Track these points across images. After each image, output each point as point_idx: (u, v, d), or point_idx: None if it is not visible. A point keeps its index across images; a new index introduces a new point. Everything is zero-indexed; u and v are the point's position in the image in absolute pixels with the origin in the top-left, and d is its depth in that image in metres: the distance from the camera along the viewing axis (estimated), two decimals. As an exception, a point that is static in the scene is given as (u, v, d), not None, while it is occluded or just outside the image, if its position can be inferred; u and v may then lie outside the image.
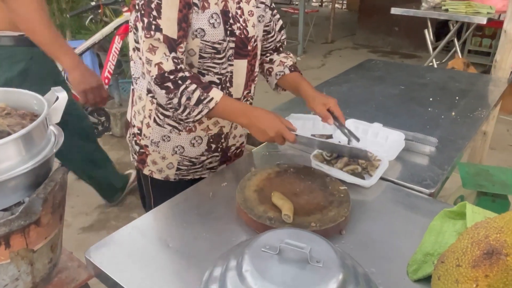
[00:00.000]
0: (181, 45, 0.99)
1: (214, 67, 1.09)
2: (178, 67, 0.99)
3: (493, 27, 4.83)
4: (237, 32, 1.09)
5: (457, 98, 1.66)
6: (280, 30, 1.30)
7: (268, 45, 1.30)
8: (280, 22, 1.30)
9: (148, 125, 1.18)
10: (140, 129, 1.20)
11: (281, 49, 1.34)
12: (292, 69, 1.29)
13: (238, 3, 1.10)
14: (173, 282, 0.77)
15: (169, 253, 0.84)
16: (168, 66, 0.98)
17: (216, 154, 1.25)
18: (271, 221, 0.88)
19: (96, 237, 2.13)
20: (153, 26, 0.96)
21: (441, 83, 1.87)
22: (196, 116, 1.02)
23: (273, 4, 1.25)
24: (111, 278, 0.79)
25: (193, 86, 0.99)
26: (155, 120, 1.16)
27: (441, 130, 1.38)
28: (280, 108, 1.63)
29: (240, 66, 1.14)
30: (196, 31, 1.02)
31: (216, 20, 1.04)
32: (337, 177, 1.06)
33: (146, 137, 1.19)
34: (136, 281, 0.77)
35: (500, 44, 2.35)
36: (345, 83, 1.87)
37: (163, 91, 0.99)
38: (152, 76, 0.98)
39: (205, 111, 1.02)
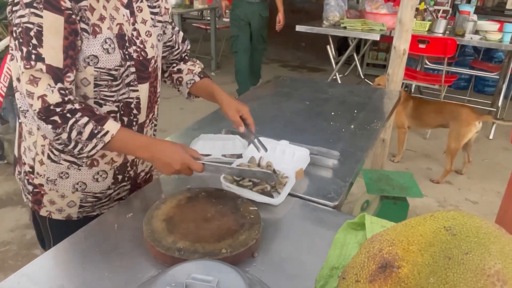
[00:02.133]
0: (69, 74, 0.91)
1: (112, 96, 1.03)
2: (66, 98, 0.90)
3: (387, 42, 5.35)
4: (135, 55, 1.05)
5: (355, 111, 1.79)
6: (183, 41, 1.31)
7: (174, 57, 1.30)
8: (181, 34, 1.30)
9: (41, 162, 1.07)
10: (32, 167, 1.08)
11: (186, 57, 1.35)
12: (202, 76, 1.30)
13: (133, 24, 1.05)
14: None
15: (68, 300, 0.77)
16: (54, 98, 0.89)
17: (124, 183, 1.18)
18: (181, 252, 0.85)
19: None
20: (33, 56, 0.87)
21: (341, 97, 2.00)
22: (90, 151, 0.94)
23: (171, 18, 1.24)
24: None
25: (85, 119, 0.92)
26: (49, 157, 1.06)
27: (343, 143, 1.47)
28: (192, 128, 1.61)
29: (144, 90, 1.10)
30: (88, 58, 0.95)
31: (110, 45, 0.98)
32: (247, 198, 1.06)
33: (40, 175, 1.08)
34: None
35: (391, 59, 2.60)
36: (256, 100, 1.91)
37: (49, 126, 0.90)
38: (35, 110, 0.88)
39: (100, 145, 0.94)
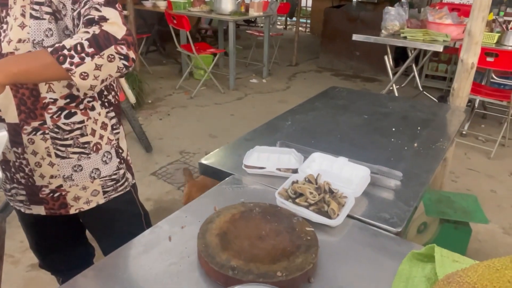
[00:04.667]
0: None
1: None
2: None
3: (449, 54, 5.08)
4: None
5: (419, 128, 1.68)
6: (89, 10, 0.99)
7: None
8: (88, 3, 0.99)
9: (51, 164, 1.14)
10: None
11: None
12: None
13: (5, 17, 1.01)
14: None
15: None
16: None
17: (15, 185, 1.19)
18: (234, 271, 0.82)
19: (46, 276, 1.96)
20: None
21: (402, 112, 1.89)
22: None
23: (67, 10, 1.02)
24: None
25: None
26: (57, 155, 1.13)
27: (405, 162, 1.38)
28: (245, 138, 1.59)
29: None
30: None
31: None
32: (303, 217, 1.01)
33: (55, 176, 1.16)
34: None
35: (457, 73, 2.44)
36: (311, 112, 1.86)
37: None
38: None
39: None
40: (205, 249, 0.88)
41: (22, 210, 1.23)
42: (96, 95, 1.16)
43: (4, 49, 1.00)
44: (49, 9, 1.00)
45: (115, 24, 0.94)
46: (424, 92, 4.80)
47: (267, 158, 1.29)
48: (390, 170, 1.26)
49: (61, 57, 0.88)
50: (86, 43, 0.89)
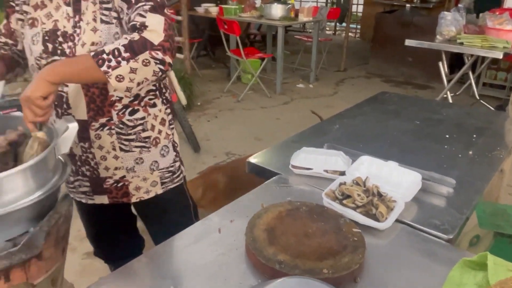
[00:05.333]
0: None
1: None
2: None
3: (509, 61, 4.80)
4: (67, 51, 1.09)
5: (474, 136, 1.62)
6: (138, 15, 1.05)
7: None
8: (143, 7, 1.05)
9: (116, 157, 1.24)
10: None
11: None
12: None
13: (78, 22, 1.09)
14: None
15: (173, 296, 0.81)
16: None
17: (80, 177, 1.28)
18: (281, 265, 0.84)
19: (100, 264, 2.08)
20: None
21: (457, 119, 1.83)
22: None
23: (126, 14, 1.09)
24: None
25: None
26: (121, 149, 1.23)
27: (459, 169, 1.34)
28: (291, 140, 1.61)
29: (73, 87, 1.13)
30: (28, 45, 1.14)
31: (36, 37, 1.12)
32: (350, 218, 1.02)
33: (119, 168, 1.25)
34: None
35: (517, 81, 2.31)
36: (359, 116, 1.84)
37: None
38: None
39: None
40: (253, 242, 0.91)
41: (84, 201, 1.33)
42: (157, 93, 1.25)
43: (78, 52, 1.09)
44: (115, 14, 1.08)
45: (154, 31, 0.99)
46: (481, 101, 4.57)
47: (314, 159, 1.30)
48: (442, 176, 1.23)
49: (100, 61, 0.95)
50: (122, 48, 0.96)
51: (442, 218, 1.08)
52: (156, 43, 0.98)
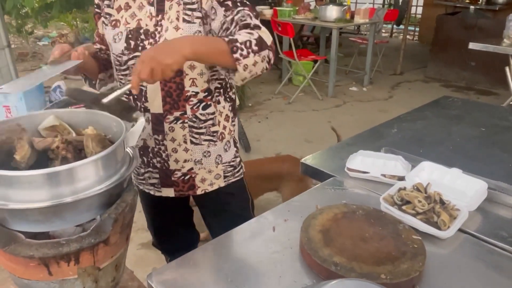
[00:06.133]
0: (96, 43, 1.35)
1: (121, 78, 1.26)
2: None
3: None
4: (148, 47, 1.16)
5: (547, 145, 1.50)
6: (242, 18, 1.12)
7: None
8: (241, 12, 1.12)
9: (186, 150, 1.31)
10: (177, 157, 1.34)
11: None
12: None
13: (160, 20, 1.16)
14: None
15: (229, 288, 0.82)
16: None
17: (150, 169, 1.34)
18: (337, 267, 0.83)
19: (154, 254, 2.18)
20: None
21: (527, 126, 1.70)
22: None
23: (229, 2, 1.13)
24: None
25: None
26: (192, 142, 1.29)
27: (529, 180, 1.24)
28: (346, 143, 1.59)
29: None
30: (109, 43, 1.24)
31: (119, 36, 1.20)
32: (410, 225, 0.98)
33: (187, 160, 1.32)
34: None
35: None
36: (419, 120, 1.77)
37: None
38: None
39: None
40: (308, 242, 0.91)
41: (152, 192, 1.39)
42: (222, 90, 1.30)
43: None
44: (199, 14, 1.15)
45: (266, 32, 1.09)
46: (553, 109, 4.22)
47: (371, 163, 1.27)
48: (510, 186, 1.15)
49: (234, 48, 1.02)
50: (254, 42, 1.04)
51: (509, 230, 1.01)
52: (268, 43, 1.08)
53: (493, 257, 0.93)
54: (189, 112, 1.25)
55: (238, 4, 1.14)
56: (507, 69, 3.68)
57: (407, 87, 5.75)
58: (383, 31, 10.03)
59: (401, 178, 1.21)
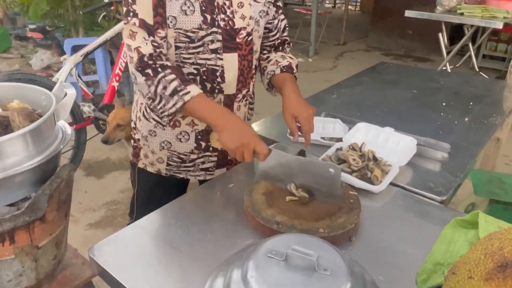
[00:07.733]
0: (159, 30, 1.00)
1: (189, 58, 1.07)
2: (158, 50, 0.99)
3: (509, 32, 4.75)
4: (222, 23, 1.06)
5: (471, 103, 1.63)
6: (283, 30, 1.26)
7: (268, 43, 1.26)
8: (285, 21, 1.25)
9: (139, 119, 1.21)
10: (135, 123, 1.24)
11: (281, 48, 1.28)
12: (284, 70, 1.20)
13: None
14: (176, 285, 0.76)
15: (174, 255, 0.83)
16: (147, 49, 0.98)
17: (209, 153, 1.21)
18: (279, 225, 0.87)
19: (102, 234, 2.13)
20: (130, 12, 0.99)
21: (455, 88, 1.83)
22: (170, 108, 0.98)
23: (279, 3, 1.21)
24: (114, 278, 0.78)
25: (172, 76, 0.98)
26: (143, 114, 1.18)
27: (454, 136, 1.35)
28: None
29: (230, 60, 1.10)
30: (168, 19, 1.01)
31: (189, 7, 1.01)
32: (346, 182, 1.04)
33: (139, 130, 1.22)
34: (139, 282, 0.76)
35: (517, 50, 2.30)
36: (357, 86, 1.85)
37: (143, 78, 0.98)
38: (133, 61, 0.99)
39: (180, 103, 0.97)
40: (252, 205, 0.93)
41: (202, 178, 1.26)
42: None
43: (237, 24, 1.08)
44: None
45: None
46: (481, 73, 4.54)
47: (311, 127, 1.31)
48: (437, 142, 1.24)
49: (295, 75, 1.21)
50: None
51: (436, 181, 1.10)
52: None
53: (421, 206, 1.02)
54: (251, 89, 1.23)
55: (281, 10, 1.21)
56: (440, 35, 3.88)
57: (350, 57, 5.91)
58: (327, 1, 10.13)
59: (339, 140, 1.26)
